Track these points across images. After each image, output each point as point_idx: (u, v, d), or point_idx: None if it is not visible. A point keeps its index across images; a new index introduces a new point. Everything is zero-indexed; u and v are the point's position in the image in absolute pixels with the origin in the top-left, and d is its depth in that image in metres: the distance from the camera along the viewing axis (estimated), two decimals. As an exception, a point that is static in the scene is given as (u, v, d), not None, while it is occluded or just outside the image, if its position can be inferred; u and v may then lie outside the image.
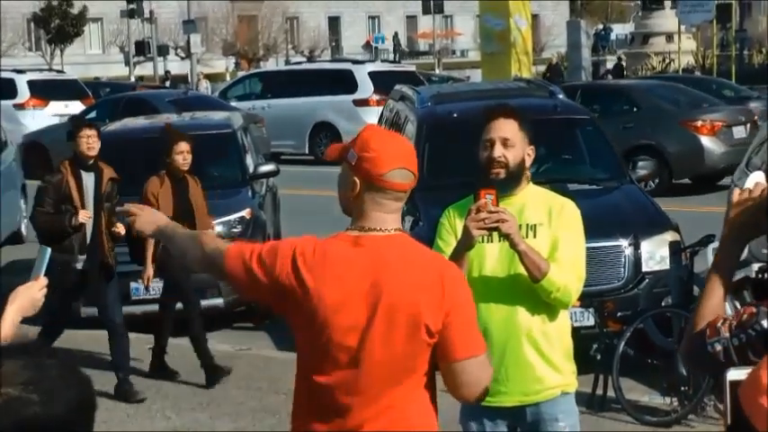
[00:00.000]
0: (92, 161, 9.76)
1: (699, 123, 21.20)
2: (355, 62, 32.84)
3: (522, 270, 5.03)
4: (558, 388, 5.19)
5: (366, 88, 28.85)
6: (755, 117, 22.12)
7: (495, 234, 5.02)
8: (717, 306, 3.22)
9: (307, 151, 28.76)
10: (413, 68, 32.49)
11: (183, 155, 10.10)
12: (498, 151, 5.10)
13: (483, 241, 5.04)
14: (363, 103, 28.37)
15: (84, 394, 2.15)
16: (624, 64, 47.95)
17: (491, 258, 5.10)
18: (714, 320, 3.13)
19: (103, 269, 9.73)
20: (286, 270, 3.78)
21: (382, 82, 28.23)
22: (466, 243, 4.91)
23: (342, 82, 29.18)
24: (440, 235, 5.23)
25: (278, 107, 27.26)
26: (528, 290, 5.06)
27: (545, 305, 5.10)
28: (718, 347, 3.07)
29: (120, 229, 9.43)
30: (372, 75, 29.25)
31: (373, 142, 3.85)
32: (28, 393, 2.06)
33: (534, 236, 5.10)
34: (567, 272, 5.04)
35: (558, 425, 5.21)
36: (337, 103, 28.58)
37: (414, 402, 3.82)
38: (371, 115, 26.45)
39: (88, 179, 9.75)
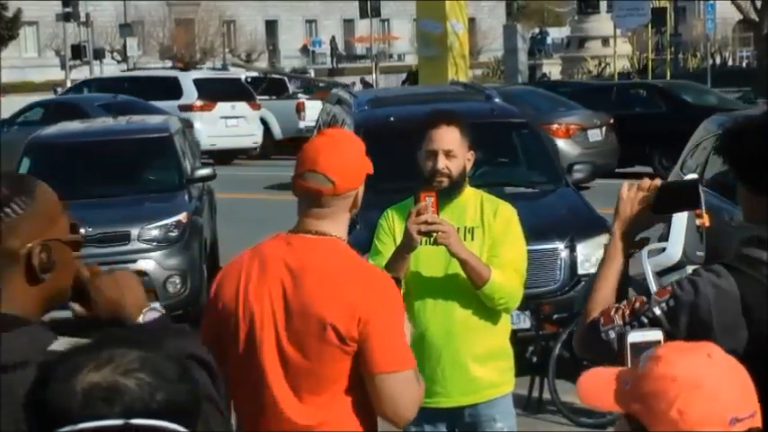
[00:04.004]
0: None
1: (554, 126, 21.66)
2: (181, 69, 34.90)
3: (459, 271, 5.05)
4: (495, 388, 5.23)
5: (191, 94, 30.16)
6: (611, 120, 22.52)
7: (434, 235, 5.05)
8: (609, 295, 3.31)
9: None
10: (238, 77, 33.82)
11: None
12: (441, 163, 5.11)
13: (421, 243, 5.06)
14: (188, 108, 29.48)
15: None
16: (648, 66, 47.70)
17: (429, 259, 5.12)
18: (607, 309, 3.22)
19: None
20: (228, 298, 3.87)
21: (206, 88, 30.38)
22: (407, 245, 4.92)
23: (168, 88, 30.28)
24: (377, 236, 5.23)
25: None
26: (466, 291, 5.08)
27: (483, 306, 5.12)
28: (612, 335, 3.16)
29: None
30: (197, 82, 30.78)
31: (302, 149, 3.91)
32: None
33: (472, 239, 5.12)
34: (511, 277, 5.06)
35: (496, 425, 5.24)
36: (164, 108, 29.07)
37: (343, 416, 3.81)
38: (196, 120, 28.92)
39: None
